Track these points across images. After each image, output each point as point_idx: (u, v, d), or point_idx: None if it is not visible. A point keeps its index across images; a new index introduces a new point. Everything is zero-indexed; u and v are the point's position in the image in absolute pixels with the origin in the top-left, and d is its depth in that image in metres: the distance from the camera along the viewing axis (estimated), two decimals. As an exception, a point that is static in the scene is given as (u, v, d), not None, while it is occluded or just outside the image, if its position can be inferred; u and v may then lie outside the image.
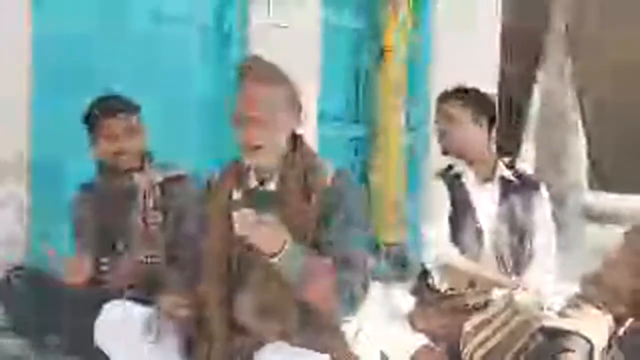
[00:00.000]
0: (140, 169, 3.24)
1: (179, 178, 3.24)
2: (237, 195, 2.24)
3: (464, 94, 3.24)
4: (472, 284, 3.09)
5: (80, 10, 3.88)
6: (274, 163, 2.39)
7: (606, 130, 7.76)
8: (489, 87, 5.29)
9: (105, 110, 3.19)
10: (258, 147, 2.35)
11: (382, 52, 5.34)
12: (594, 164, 7.66)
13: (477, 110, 3.21)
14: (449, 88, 3.29)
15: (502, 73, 5.93)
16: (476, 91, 3.28)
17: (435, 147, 3.30)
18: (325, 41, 4.88)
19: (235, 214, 2.17)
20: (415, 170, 5.49)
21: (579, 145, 7.08)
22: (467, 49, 5.34)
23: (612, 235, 2.99)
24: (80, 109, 3.25)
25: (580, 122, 7.03)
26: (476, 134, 3.21)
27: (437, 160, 3.50)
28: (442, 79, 5.05)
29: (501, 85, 5.78)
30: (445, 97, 3.27)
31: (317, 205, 2.30)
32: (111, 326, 3.00)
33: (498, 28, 5.85)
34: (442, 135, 3.26)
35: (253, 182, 2.42)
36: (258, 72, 2.37)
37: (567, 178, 6.91)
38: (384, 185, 5.36)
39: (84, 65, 3.85)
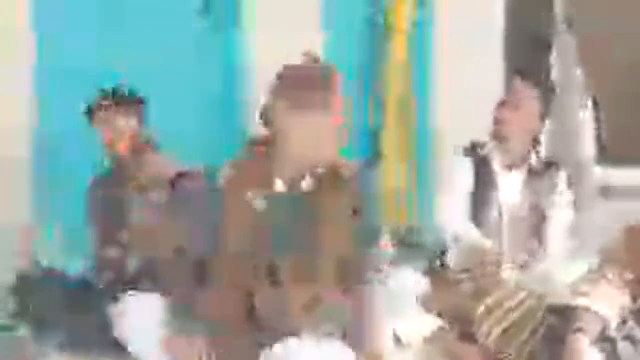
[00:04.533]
0: (143, 162, 3.26)
1: (189, 174, 3.24)
2: (260, 200, 2.18)
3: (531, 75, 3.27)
4: (487, 263, 3.10)
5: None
6: None
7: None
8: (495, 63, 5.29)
9: (104, 101, 3.24)
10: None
11: (389, 31, 5.32)
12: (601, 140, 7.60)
13: (539, 94, 3.24)
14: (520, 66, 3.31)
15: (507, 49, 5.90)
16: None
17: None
18: (329, 20, 4.88)
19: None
20: (427, 149, 5.47)
21: (589, 121, 7.05)
22: (471, 29, 5.30)
23: (628, 211, 3.01)
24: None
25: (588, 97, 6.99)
26: (533, 117, 3.23)
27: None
28: (446, 58, 5.04)
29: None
30: (519, 73, 3.28)
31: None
32: (128, 316, 3.02)
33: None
34: (502, 115, 3.23)
35: (280, 186, 2.26)
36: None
37: (580, 155, 6.87)
38: (395, 163, 5.34)
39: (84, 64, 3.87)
